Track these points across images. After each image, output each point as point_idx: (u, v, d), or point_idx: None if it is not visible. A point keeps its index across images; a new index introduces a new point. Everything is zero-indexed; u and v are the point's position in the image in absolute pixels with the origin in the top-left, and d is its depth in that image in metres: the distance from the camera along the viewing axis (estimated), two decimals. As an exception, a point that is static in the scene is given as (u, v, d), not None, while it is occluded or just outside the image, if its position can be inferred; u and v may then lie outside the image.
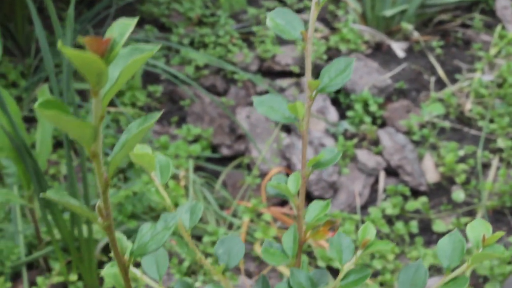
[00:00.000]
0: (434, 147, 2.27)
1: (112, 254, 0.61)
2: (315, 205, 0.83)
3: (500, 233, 0.77)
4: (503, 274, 1.86)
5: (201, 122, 2.31)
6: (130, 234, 2.02)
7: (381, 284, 1.94)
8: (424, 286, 0.82)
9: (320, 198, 2.16)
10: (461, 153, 2.22)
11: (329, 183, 2.16)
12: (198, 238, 2.03)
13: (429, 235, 2.08)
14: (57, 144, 2.27)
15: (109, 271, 0.63)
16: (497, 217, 2.10)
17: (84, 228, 1.91)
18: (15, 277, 1.97)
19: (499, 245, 0.77)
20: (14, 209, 2.00)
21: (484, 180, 2.16)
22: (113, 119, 2.33)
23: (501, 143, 2.24)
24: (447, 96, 2.36)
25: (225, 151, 2.26)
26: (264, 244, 0.83)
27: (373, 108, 2.34)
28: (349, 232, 1.97)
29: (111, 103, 2.32)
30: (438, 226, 2.08)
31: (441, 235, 2.07)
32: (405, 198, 2.15)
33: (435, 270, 1.97)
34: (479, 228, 0.78)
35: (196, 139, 2.27)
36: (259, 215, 2.07)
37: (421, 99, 2.42)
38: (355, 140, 2.27)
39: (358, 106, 2.34)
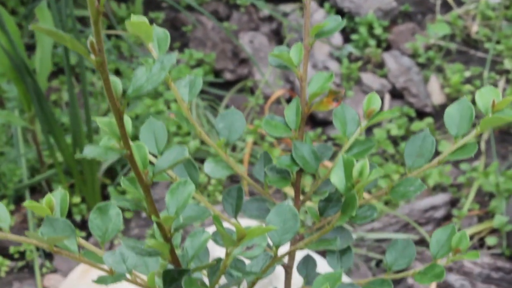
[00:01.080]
0: (440, 70, 2.24)
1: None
2: (318, 76, 0.80)
3: (510, 98, 0.74)
4: (509, 190, 1.84)
5: (204, 47, 2.28)
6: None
7: (386, 203, 1.92)
8: (431, 156, 0.79)
9: (324, 120, 2.14)
10: (467, 74, 2.19)
11: (333, 106, 2.13)
12: (201, 161, 2.00)
13: (434, 155, 2.05)
14: (59, 71, 2.24)
15: (104, 119, 0.60)
16: (503, 137, 2.07)
17: (87, 150, 1.89)
18: (18, 200, 1.95)
19: (510, 109, 0.74)
20: (15, 133, 1.98)
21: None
22: (114, 45, 2.29)
23: (508, 64, 2.20)
24: (453, 19, 2.32)
25: (228, 76, 2.23)
26: (266, 117, 0.80)
27: (378, 31, 2.30)
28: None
29: (111, 28, 2.28)
30: (443, 146, 2.05)
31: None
32: (411, 119, 2.12)
33: (440, 189, 1.95)
34: (488, 94, 0.75)
35: (198, 64, 2.24)
36: (262, 137, 2.05)
37: (426, 22, 2.37)
38: (360, 63, 2.24)
39: (362, 29, 2.30)
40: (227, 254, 0.65)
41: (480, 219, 1.86)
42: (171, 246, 0.65)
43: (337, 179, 0.67)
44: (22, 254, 1.86)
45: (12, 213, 1.94)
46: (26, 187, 1.94)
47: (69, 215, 1.93)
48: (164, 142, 0.78)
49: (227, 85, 2.21)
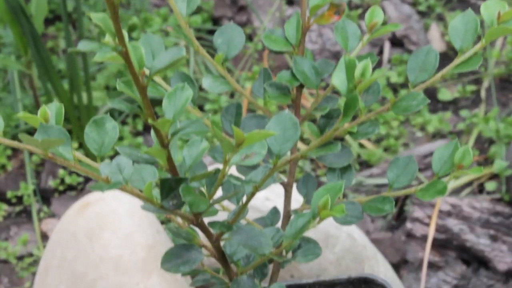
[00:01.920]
0: (440, 18, 2.21)
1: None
2: (319, -12, 0.78)
3: (516, 10, 0.72)
4: (509, 136, 1.83)
5: (202, -6, 2.25)
6: (132, 102, 1.98)
7: (385, 149, 1.90)
8: (435, 70, 0.77)
9: (324, 68, 2.11)
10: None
11: (332, 53, 2.11)
12: (200, 108, 1.98)
13: (434, 104, 2.04)
14: (55, 18, 2.21)
15: (98, 14, 0.58)
16: (503, 85, 2.05)
17: (84, 96, 1.87)
18: (15, 146, 1.93)
19: (515, 20, 0.71)
20: (12, 78, 1.95)
21: (491, 48, 2.10)
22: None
23: (509, 12, 2.18)
24: (454, -33, 2.29)
25: (226, 23, 2.20)
26: (266, 31, 0.78)
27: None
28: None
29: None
30: (444, 94, 2.03)
31: (446, 103, 2.03)
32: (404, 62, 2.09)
33: (440, 136, 1.93)
34: (493, 6, 0.73)
35: (197, 11, 2.21)
36: (261, 83, 2.02)
37: (427, -30, 2.34)
38: (360, 11, 2.21)
39: (362, -23, 2.27)
40: (226, 162, 0.64)
41: (480, 165, 1.85)
42: (168, 153, 0.63)
43: (339, 80, 0.65)
44: (20, 199, 1.85)
45: (9, 158, 1.92)
46: (23, 132, 1.91)
47: (67, 161, 1.91)
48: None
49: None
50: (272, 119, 0.67)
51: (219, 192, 0.71)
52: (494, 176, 1.80)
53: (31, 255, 1.71)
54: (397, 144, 1.89)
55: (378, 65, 2.11)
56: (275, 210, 0.78)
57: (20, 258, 1.71)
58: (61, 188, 1.85)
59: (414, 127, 1.96)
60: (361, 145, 1.91)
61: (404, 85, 2.04)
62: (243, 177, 0.70)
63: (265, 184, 0.67)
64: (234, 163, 0.63)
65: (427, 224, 1.70)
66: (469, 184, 1.81)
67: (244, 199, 0.71)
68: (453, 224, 1.69)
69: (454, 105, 2.03)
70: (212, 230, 0.71)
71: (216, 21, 2.20)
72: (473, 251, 1.67)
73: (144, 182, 0.68)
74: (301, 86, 0.77)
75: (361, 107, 0.75)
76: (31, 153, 1.92)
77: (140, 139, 1.92)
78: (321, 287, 0.91)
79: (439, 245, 1.70)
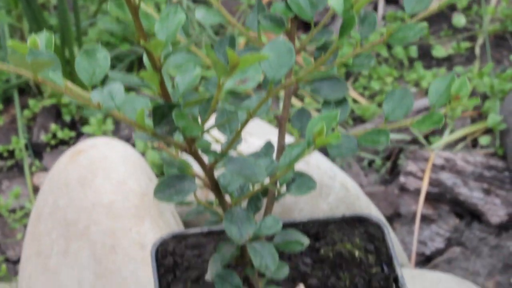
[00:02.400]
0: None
1: None
2: None
3: None
4: (503, 91, 1.82)
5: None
6: (123, 58, 1.96)
7: (379, 104, 1.89)
8: (431, 1, 0.76)
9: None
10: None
11: (327, 10, 2.09)
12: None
13: (428, 60, 2.02)
14: (46, -27, 2.18)
15: None
16: (498, 42, 2.04)
17: (75, 49, 1.85)
18: (7, 101, 1.92)
19: None
20: (2, 33, 1.93)
21: (486, 5, 2.08)
22: None
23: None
24: None
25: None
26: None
27: None
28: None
29: None
30: (438, 51, 2.02)
31: (440, 60, 2.02)
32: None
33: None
34: None
35: (190, -33, 2.19)
36: (255, 38, 2.01)
37: None
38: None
39: None
40: (219, 86, 0.62)
41: (474, 121, 1.84)
42: (161, 77, 0.62)
43: (335, 1, 0.64)
44: (12, 153, 1.84)
45: (0, 113, 1.90)
46: (14, 87, 1.90)
47: (59, 116, 1.90)
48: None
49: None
50: (267, 45, 0.66)
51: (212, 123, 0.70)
52: (488, 131, 1.80)
53: (22, 208, 1.71)
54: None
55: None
56: (269, 144, 0.77)
57: (12, 211, 1.71)
58: (53, 142, 1.84)
59: (408, 83, 1.95)
60: (355, 101, 1.90)
61: (398, 41, 2.03)
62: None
63: (259, 112, 0.66)
64: (228, 89, 0.62)
65: (421, 178, 1.70)
66: (463, 138, 1.80)
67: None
68: (447, 177, 1.69)
69: (448, 61, 2.02)
70: (205, 160, 0.70)
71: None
72: (466, 204, 1.67)
73: (136, 111, 0.67)
74: (295, 18, 0.76)
75: (356, 38, 0.74)
76: (22, 108, 1.90)
77: (132, 93, 1.91)
78: (315, 226, 0.90)
79: (432, 199, 1.69)
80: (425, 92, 1.92)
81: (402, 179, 1.72)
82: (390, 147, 1.80)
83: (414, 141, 1.80)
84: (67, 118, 1.88)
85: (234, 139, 0.67)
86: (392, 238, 0.89)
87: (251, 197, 0.74)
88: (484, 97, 1.87)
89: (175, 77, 0.68)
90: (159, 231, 1.21)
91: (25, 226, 1.66)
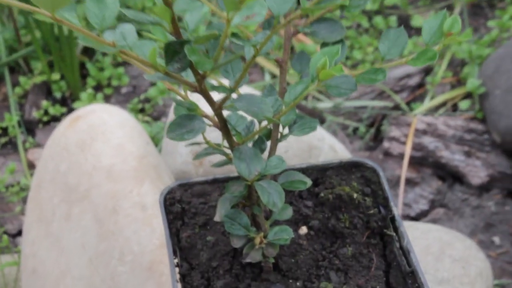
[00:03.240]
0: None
1: None
2: None
3: None
4: (481, 57, 1.84)
5: None
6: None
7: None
8: None
9: None
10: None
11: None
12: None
13: (407, 30, 2.05)
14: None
15: None
16: (474, 10, 2.06)
17: (64, 27, 1.85)
18: (-2, 80, 1.93)
19: None
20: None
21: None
22: None
23: None
24: None
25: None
26: None
27: None
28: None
29: None
30: (416, 21, 2.04)
31: (419, 29, 2.04)
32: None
33: (414, 61, 1.94)
34: None
35: None
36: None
37: None
38: None
39: None
40: (228, 21, 0.64)
41: (453, 87, 1.87)
42: (172, 13, 0.63)
43: None
44: (5, 131, 1.84)
45: (-9, 92, 1.91)
46: (4, 65, 1.90)
47: (49, 93, 1.91)
48: None
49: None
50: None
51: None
52: (467, 96, 1.82)
53: (18, 183, 1.71)
54: (372, 69, 1.90)
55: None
56: (271, 87, 0.78)
57: (9, 186, 1.71)
58: (45, 119, 1.84)
59: (388, 53, 1.96)
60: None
61: (379, 12, 2.05)
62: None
63: (265, 48, 0.67)
64: (236, 24, 0.64)
65: (404, 143, 1.72)
66: (443, 104, 1.83)
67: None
68: (429, 142, 1.71)
69: (426, 32, 2.04)
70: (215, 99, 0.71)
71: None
72: (448, 167, 1.70)
73: (146, 53, 0.68)
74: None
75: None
76: (14, 86, 1.90)
77: (121, 69, 1.91)
78: (314, 172, 0.92)
79: (416, 162, 1.72)
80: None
81: (386, 144, 1.74)
82: (374, 115, 1.82)
83: (397, 107, 1.83)
84: (57, 94, 1.89)
85: (242, 76, 0.69)
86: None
87: (256, 138, 0.75)
88: (463, 65, 1.90)
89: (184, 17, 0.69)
90: (158, 192, 1.22)
91: (22, 200, 1.67)
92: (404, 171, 1.69)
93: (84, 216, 1.23)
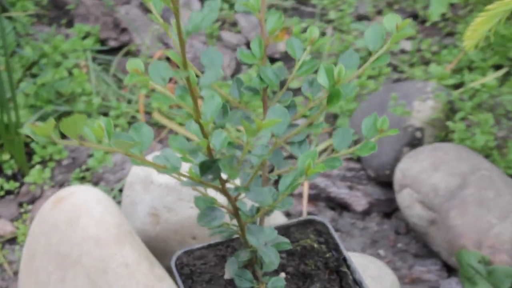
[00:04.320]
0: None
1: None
2: (272, 17, 0.95)
3: (407, 20, 0.91)
4: (350, 110, 2.06)
5: (88, 21, 2.34)
6: (46, 117, 2.06)
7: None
8: (357, 66, 0.95)
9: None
10: (304, 25, 2.39)
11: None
12: (105, 114, 2.10)
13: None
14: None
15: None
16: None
17: (13, 114, 1.92)
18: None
19: (408, 28, 0.91)
20: None
21: (324, 44, 2.33)
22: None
23: (332, 15, 2.42)
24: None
25: (112, 43, 2.31)
26: (239, 50, 0.94)
27: (229, -3, 2.45)
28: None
29: (5, 11, 2.29)
30: (294, 84, 2.24)
31: (296, 90, 2.24)
32: (265, 65, 2.29)
33: (297, 116, 2.14)
34: (392, 19, 0.92)
35: (86, 36, 2.30)
36: (153, 90, 2.16)
37: (264, -13, 2.55)
38: (218, 24, 2.38)
39: (216, -3, 2.44)
40: (247, 143, 0.80)
41: (330, 135, 2.08)
42: (208, 142, 0.78)
43: (322, 80, 0.83)
44: (-33, 206, 1.89)
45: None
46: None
47: (1, 171, 1.97)
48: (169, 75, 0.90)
49: (114, 51, 2.30)
50: (269, 111, 0.84)
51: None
52: (344, 141, 2.03)
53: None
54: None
55: (238, 65, 2.30)
56: (258, 176, 0.94)
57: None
58: (1, 193, 1.91)
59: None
60: (239, 131, 2.09)
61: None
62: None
63: (269, 156, 0.84)
64: (252, 143, 0.80)
65: (301, 184, 1.91)
66: (325, 149, 2.03)
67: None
68: (320, 181, 1.91)
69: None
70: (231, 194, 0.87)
71: (104, 42, 2.31)
72: (337, 199, 1.90)
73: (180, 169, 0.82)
74: (266, 87, 0.94)
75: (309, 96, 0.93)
76: (-31, 168, 1.96)
77: (61, 145, 2.00)
78: (281, 230, 1.08)
79: (312, 198, 1.91)
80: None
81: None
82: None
83: (291, 156, 2.02)
84: (8, 172, 1.96)
85: (252, 177, 0.85)
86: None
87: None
88: (335, 116, 2.11)
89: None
90: (137, 252, 1.35)
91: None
92: (305, 206, 1.88)
93: (78, 277, 1.34)
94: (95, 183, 1.95)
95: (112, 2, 2.40)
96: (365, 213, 1.89)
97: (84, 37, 2.30)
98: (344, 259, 1.04)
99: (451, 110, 1.92)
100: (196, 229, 1.52)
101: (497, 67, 2.13)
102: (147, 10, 2.43)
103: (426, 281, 1.74)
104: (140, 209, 1.54)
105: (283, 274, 1.03)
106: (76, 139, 0.76)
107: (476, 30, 1.12)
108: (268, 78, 0.92)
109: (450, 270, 1.76)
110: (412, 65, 2.23)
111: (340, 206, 1.91)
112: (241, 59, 0.93)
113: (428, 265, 1.77)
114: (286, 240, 0.94)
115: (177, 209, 1.52)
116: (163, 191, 1.53)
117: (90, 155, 2.01)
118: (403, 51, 2.31)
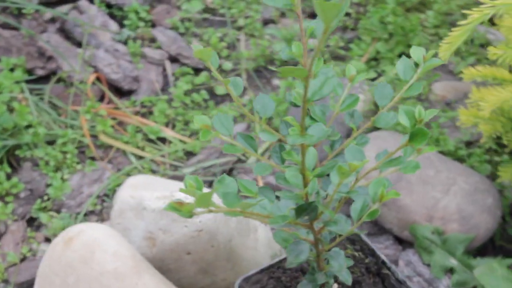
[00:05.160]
0: (196, 35, 2.41)
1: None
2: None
3: (432, 51, 0.96)
4: (283, 111, 2.10)
5: (11, 53, 2.22)
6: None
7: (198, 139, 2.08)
8: (391, 97, 0.99)
9: (130, 90, 2.23)
10: (219, 35, 2.40)
11: (133, 78, 2.23)
12: (52, 142, 2.02)
13: (216, 98, 2.25)
14: None
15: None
16: (257, 74, 2.32)
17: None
18: None
19: (435, 58, 0.96)
20: None
21: (241, 50, 2.35)
22: None
23: (241, 22, 2.45)
24: (192, -5, 2.49)
25: (40, 72, 2.21)
26: (287, 93, 0.95)
27: (143, 14, 2.41)
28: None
29: None
30: (219, 90, 2.25)
31: (224, 96, 2.26)
32: (191, 75, 2.28)
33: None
34: (418, 51, 0.96)
35: (13, 68, 2.19)
36: (96, 114, 2.10)
37: (174, 2, 2.52)
38: (139, 42, 2.34)
39: (132, 15, 2.39)
40: (339, 183, 0.82)
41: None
42: (307, 192, 0.80)
43: (404, 120, 0.85)
44: None
45: None
46: None
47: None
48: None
49: (42, 79, 2.20)
50: (346, 151, 0.86)
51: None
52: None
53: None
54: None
55: (166, 77, 2.28)
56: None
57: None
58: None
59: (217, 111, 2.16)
60: (183, 142, 2.08)
61: (192, 90, 2.23)
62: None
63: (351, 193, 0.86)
64: (342, 182, 0.82)
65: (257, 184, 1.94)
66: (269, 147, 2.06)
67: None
68: (272, 179, 1.95)
69: (229, 96, 2.26)
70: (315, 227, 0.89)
71: (31, 71, 2.21)
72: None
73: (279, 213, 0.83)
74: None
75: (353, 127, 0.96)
76: None
77: (15, 179, 1.91)
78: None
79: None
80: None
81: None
82: (224, 169, 2.01)
83: (239, 160, 2.04)
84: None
85: (336, 210, 0.87)
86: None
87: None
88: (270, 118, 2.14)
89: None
90: (156, 280, 1.33)
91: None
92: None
93: (103, 312, 1.30)
94: (57, 211, 1.88)
95: (32, 32, 2.29)
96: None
97: (11, 69, 2.18)
98: (383, 262, 1.08)
99: (380, 101, 2.02)
100: (190, 245, 1.52)
101: (400, 55, 2.25)
102: (67, 36, 2.34)
103: (385, 256, 1.83)
104: (135, 234, 1.51)
105: (335, 285, 1.06)
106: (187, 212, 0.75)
107: (452, 43, 1.19)
108: (317, 116, 0.94)
109: (402, 242, 1.86)
110: (324, 62, 2.30)
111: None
112: (293, 103, 0.94)
113: (382, 241, 1.86)
114: (344, 257, 0.98)
115: (172, 230, 1.51)
116: (157, 216, 1.51)
117: (48, 185, 1.93)
118: (310, 50, 2.37)
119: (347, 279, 0.92)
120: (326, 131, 0.78)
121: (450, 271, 1.71)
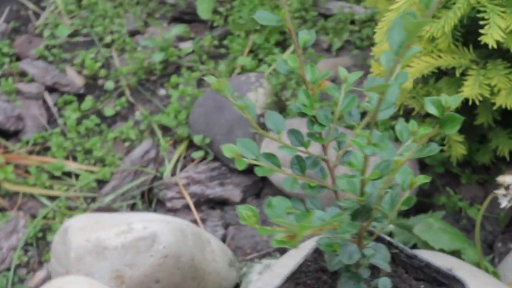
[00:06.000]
0: (65, 60, 2.33)
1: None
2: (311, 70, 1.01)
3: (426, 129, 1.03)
4: (184, 119, 2.11)
5: None
6: None
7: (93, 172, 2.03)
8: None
9: (16, 130, 2.12)
10: (91, 55, 2.33)
11: (15, 117, 2.12)
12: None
13: (106, 120, 2.20)
14: None
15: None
16: (142, 87, 2.28)
17: None
18: None
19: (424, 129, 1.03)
20: None
21: (118, 67, 2.31)
22: None
23: (108, 39, 2.40)
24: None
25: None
26: (294, 107, 0.99)
27: (5, 49, 2.29)
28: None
29: None
30: (108, 111, 2.20)
31: (114, 116, 2.21)
32: (76, 102, 2.21)
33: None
34: (405, 127, 1.04)
35: None
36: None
37: (31, 31, 2.42)
38: (11, 78, 2.22)
39: (-6, 53, 2.26)
40: (389, 180, 0.88)
41: (176, 146, 2.11)
42: (363, 201, 0.85)
43: (432, 110, 0.91)
44: None
45: None
46: None
47: None
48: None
49: None
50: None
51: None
52: (196, 147, 2.08)
53: None
54: (113, 159, 2.05)
55: (49, 109, 2.19)
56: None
57: None
58: None
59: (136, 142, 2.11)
60: (90, 171, 2.02)
61: (83, 117, 2.16)
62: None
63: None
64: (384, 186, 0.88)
65: (182, 197, 1.94)
66: (178, 160, 2.06)
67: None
68: (195, 188, 1.95)
69: (118, 116, 2.22)
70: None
71: None
72: (216, 198, 1.94)
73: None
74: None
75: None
76: None
77: None
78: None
79: (196, 205, 1.94)
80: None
81: (168, 204, 1.94)
82: (140, 190, 1.98)
83: (156, 178, 2.02)
84: None
85: (395, 211, 0.93)
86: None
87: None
88: (165, 129, 2.14)
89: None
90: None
91: None
92: (196, 215, 1.91)
93: None
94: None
95: None
96: (243, 201, 1.98)
97: None
98: (390, 243, 1.16)
99: (281, 90, 2.08)
100: (157, 273, 1.51)
101: (277, 44, 2.33)
102: None
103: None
104: (99, 276, 1.47)
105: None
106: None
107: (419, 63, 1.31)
108: (324, 121, 0.99)
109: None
110: (203, 63, 2.32)
111: (220, 203, 1.96)
112: (300, 112, 0.97)
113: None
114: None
115: (138, 263, 1.49)
116: (120, 252, 1.48)
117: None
118: (188, 54, 2.37)
119: (385, 267, 0.99)
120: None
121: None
